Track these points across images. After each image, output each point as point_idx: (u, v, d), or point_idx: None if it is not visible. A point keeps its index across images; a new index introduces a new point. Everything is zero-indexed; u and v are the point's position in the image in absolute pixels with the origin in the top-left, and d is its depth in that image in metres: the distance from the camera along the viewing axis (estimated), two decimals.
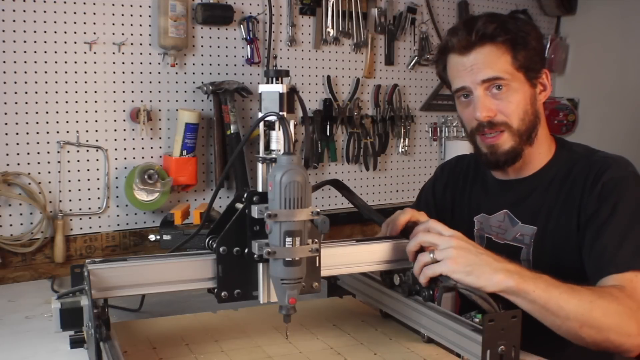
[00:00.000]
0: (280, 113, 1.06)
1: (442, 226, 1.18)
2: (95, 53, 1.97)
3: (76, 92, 1.96)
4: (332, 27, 2.42)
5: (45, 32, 1.89)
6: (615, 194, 1.31)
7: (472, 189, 1.58)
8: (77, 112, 1.96)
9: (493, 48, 1.35)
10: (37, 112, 1.90)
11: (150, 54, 2.07)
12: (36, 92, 1.90)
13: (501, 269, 1.12)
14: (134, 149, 2.06)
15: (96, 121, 1.99)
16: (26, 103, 1.89)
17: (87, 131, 1.98)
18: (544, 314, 1.15)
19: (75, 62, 1.95)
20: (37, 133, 1.90)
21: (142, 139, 2.06)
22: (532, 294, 1.12)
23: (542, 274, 1.15)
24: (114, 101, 2.02)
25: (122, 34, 2.01)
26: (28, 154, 1.90)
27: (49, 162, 1.93)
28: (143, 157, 2.07)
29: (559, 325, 1.16)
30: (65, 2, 1.92)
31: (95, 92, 1.99)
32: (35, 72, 1.89)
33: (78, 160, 1.97)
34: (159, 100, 2.10)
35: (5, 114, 1.86)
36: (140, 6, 2.04)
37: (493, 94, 1.36)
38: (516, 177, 1.47)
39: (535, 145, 1.41)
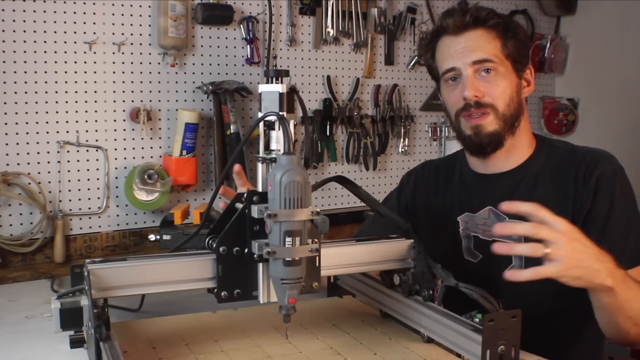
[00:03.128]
0: (280, 113, 1.06)
1: (546, 214, 1.10)
2: (95, 53, 1.97)
3: (76, 92, 1.96)
4: (332, 27, 2.42)
5: (45, 32, 1.89)
6: (609, 188, 1.33)
7: (446, 189, 1.57)
8: (77, 112, 1.96)
9: (484, 32, 1.39)
10: (37, 112, 1.90)
11: (150, 54, 2.07)
12: (36, 92, 1.90)
13: (603, 269, 1.11)
14: (133, 149, 2.06)
15: (96, 121, 1.99)
16: (26, 103, 1.89)
17: (87, 131, 1.98)
18: (613, 312, 1.18)
19: (75, 62, 1.95)
20: (37, 133, 1.91)
21: (142, 139, 2.06)
22: (618, 295, 1.14)
23: (622, 270, 1.15)
24: (114, 101, 2.02)
25: (122, 34, 2.01)
26: (28, 154, 1.90)
27: (49, 162, 1.93)
28: (143, 157, 2.08)
29: (617, 323, 1.19)
30: (65, 2, 1.92)
31: (95, 92, 1.99)
32: (35, 72, 1.89)
33: (78, 160, 1.98)
34: (159, 100, 2.10)
35: (5, 114, 1.86)
36: (140, 6, 2.04)
37: (482, 77, 1.39)
38: (498, 171, 1.47)
39: (517, 136, 1.43)
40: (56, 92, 1.93)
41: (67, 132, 1.95)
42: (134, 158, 2.06)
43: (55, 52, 1.91)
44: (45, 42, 1.90)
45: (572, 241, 1.08)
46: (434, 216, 1.58)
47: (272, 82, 1.09)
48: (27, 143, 1.90)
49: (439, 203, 1.58)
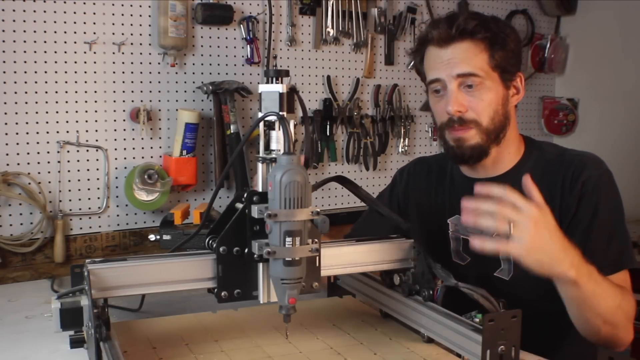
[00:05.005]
0: (280, 113, 1.06)
1: (518, 198, 1.15)
2: (95, 53, 1.97)
3: (76, 92, 1.96)
4: (332, 27, 2.42)
5: (45, 32, 1.89)
6: (594, 194, 1.34)
7: (437, 191, 1.57)
8: (77, 112, 1.96)
9: (472, 44, 1.36)
10: (37, 112, 1.90)
11: (150, 54, 2.07)
12: (36, 92, 1.90)
13: (566, 260, 1.15)
14: (134, 149, 2.06)
15: (96, 121, 1.99)
16: (26, 103, 1.89)
17: (87, 131, 1.98)
18: (580, 306, 1.21)
19: (75, 62, 1.95)
20: (37, 133, 1.90)
21: (142, 139, 2.06)
22: (582, 287, 1.17)
23: (590, 266, 1.19)
24: (114, 101, 2.02)
25: (122, 34, 2.01)
26: (28, 154, 1.90)
27: (49, 162, 1.93)
28: (143, 157, 2.07)
29: (586, 318, 1.22)
30: (65, 2, 1.92)
31: (95, 92, 1.99)
32: (35, 72, 1.89)
33: (78, 160, 1.98)
34: (159, 100, 2.10)
35: (5, 114, 1.86)
36: (140, 6, 2.04)
37: (466, 90, 1.37)
38: (487, 176, 1.46)
39: (503, 145, 1.42)
40: (56, 92, 1.93)
41: (67, 132, 1.95)
42: (134, 158, 2.06)
43: (55, 52, 1.91)
44: (45, 42, 1.90)
45: (538, 226, 1.13)
46: (424, 216, 1.58)
47: (272, 82, 1.09)
48: (27, 143, 1.89)
49: (430, 203, 1.57)
